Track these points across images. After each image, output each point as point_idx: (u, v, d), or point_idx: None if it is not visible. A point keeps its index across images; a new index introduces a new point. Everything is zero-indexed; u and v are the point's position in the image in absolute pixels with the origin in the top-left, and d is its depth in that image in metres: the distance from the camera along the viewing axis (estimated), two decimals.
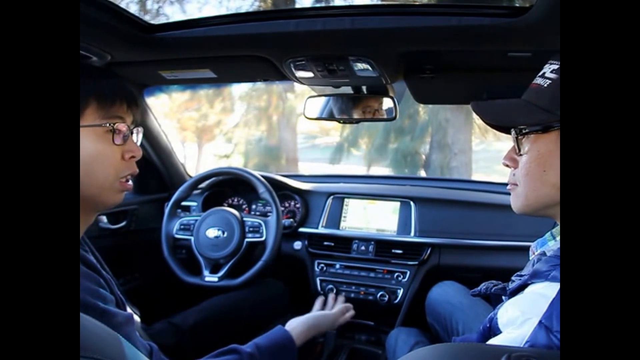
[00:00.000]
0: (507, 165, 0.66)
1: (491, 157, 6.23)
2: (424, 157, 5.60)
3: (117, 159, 0.69)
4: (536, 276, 0.54)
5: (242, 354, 0.81)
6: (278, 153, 6.72)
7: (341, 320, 1.18)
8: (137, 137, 0.75)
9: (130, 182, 0.72)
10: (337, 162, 6.07)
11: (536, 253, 0.63)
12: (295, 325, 0.99)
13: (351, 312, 1.22)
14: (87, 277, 0.61)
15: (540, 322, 0.48)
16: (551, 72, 0.59)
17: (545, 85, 0.59)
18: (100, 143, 0.66)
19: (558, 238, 0.60)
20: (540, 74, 0.61)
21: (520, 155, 0.62)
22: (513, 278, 0.61)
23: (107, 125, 0.66)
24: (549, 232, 0.63)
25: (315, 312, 1.17)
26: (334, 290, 1.45)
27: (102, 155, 0.66)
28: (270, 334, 0.91)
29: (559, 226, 0.61)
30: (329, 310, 1.21)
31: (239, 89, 6.79)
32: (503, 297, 0.67)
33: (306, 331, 1.00)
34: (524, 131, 0.60)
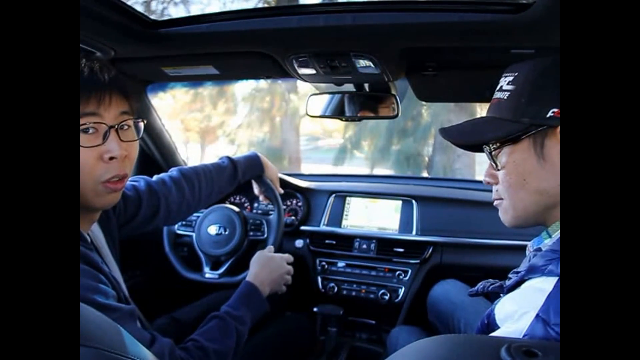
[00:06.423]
0: (489, 183, 0.68)
1: None
2: (427, 158, 5.57)
3: (91, 162, 0.62)
4: (532, 271, 0.54)
5: (221, 316, 0.85)
6: (281, 154, 6.71)
7: (284, 272, 1.08)
8: (134, 131, 0.69)
9: (123, 181, 0.67)
10: (340, 163, 6.05)
11: (532, 250, 0.63)
12: (249, 274, 1.01)
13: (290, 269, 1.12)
14: (85, 273, 0.61)
15: (537, 315, 0.48)
16: (507, 84, 0.62)
17: (505, 97, 0.61)
18: None
19: (554, 235, 0.61)
20: (497, 88, 0.64)
21: (498, 170, 0.64)
22: (510, 275, 0.61)
23: None
24: (544, 231, 0.63)
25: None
26: (335, 290, 1.45)
27: None
28: (235, 293, 0.95)
29: (554, 224, 0.61)
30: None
31: (242, 90, 6.80)
32: (501, 295, 0.67)
33: (260, 269, 1.02)
34: (495, 146, 0.62)
